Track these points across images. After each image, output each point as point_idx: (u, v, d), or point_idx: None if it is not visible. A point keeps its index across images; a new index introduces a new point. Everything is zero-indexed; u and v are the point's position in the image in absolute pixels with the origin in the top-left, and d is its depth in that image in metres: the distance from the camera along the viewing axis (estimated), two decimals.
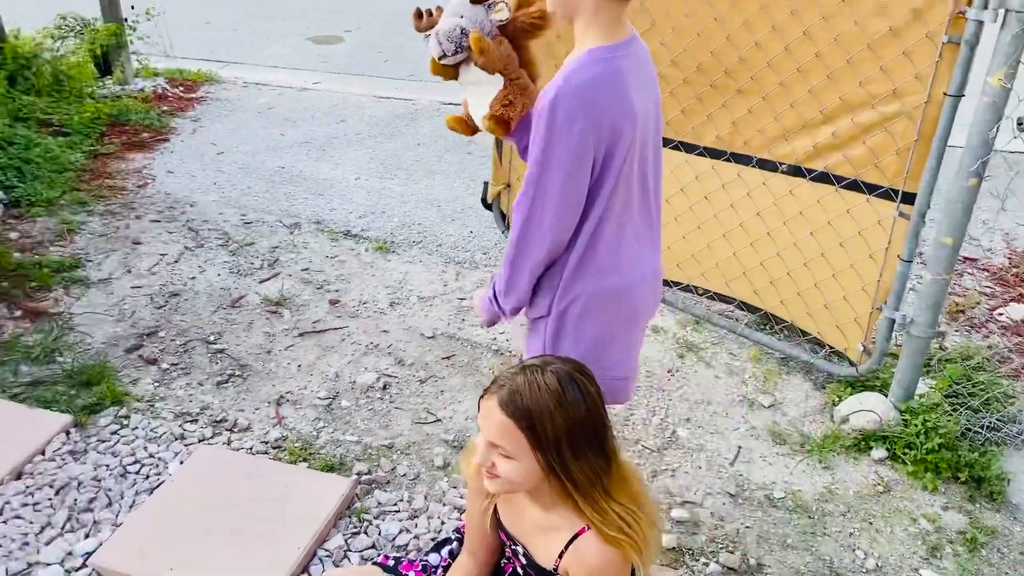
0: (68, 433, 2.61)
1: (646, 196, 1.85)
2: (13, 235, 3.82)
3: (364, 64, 7.08)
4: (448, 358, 3.18)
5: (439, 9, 1.85)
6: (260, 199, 4.38)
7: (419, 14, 1.86)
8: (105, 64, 6.15)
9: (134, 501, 2.38)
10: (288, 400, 2.89)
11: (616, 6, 1.66)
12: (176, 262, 3.71)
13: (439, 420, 2.85)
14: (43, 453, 2.52)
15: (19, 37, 5.82)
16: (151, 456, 2.57)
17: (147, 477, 2.48)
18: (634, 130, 1.69)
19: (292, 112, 5.77)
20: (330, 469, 2.58)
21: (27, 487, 2.38)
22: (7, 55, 5.13)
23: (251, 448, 2.65)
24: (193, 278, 3.59)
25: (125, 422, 2.70)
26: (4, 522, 2.26)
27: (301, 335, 3.26)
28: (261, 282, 3.60)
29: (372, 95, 6.19)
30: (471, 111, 1.90)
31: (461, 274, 3.77)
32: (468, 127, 1.95)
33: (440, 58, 1.81)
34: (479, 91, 1.83)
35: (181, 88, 6.21)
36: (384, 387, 3.00)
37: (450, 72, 1.84)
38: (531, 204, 1.70)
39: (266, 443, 2.67)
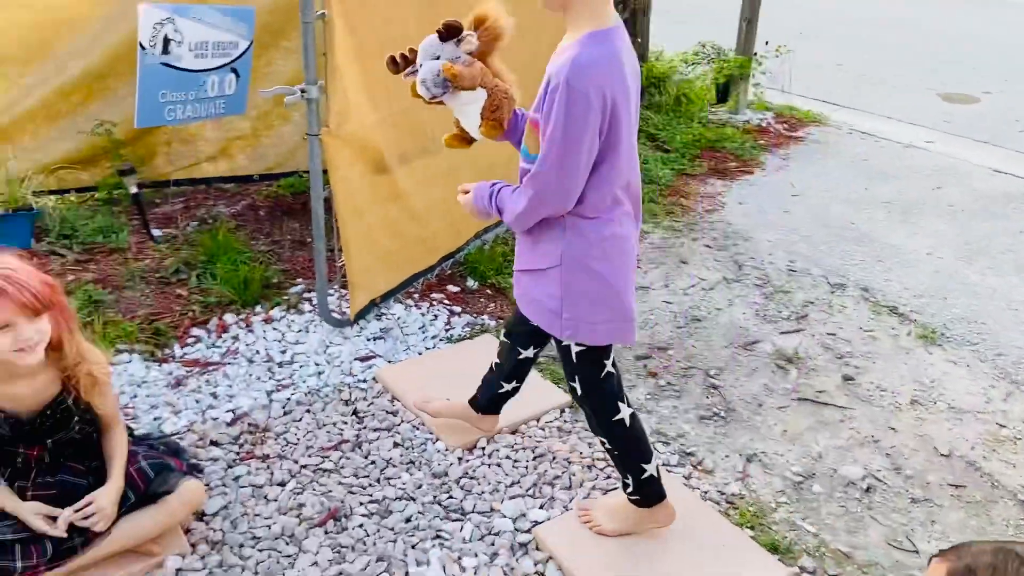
0: (562, 411, 2.92)
1: (633, 165, 2.04)
2: None
3: (993, 131, 6.26)
4: (957, 487, 2.68)
5: (412, 50, 2.08)
6: (814, 249, 4.24)
7: (394, 60, 2.10)
8: (723, 92, 6.59)
9: (588, 494, 2.56)
10: (760, 460, 2.78)
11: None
12: (711, 289, 3.83)
13: (916, 552, 2.43)
14: (537, 420, 2.87)
15: (659, 58, 6.57)
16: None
17: (608, 475, 2.64)
18: (628, 103, 1.90)
19: (886, 167, 5.42)
20: (774, 549, 2.40)
21: (514, 444, 2.75)
22: (644, 73, 5.86)
23: (706, 492, 2.61)
24: (719, 309, 3.67)
25: None
26: (487, 465, 2.65)
27: (800, 400, 3.08)
28: (782, 333, 3.50)
29: (988, 166, 5.46)
30: (466, 127, 2.15)
31: (1012, 396, 3.12)
32: (465, 141, 2.20)
33: (432, 99, 2.05)
34: (469, 109, 2.08)
35: (785, 125, 6.32)
36: (867, 489, 2.67)
37: (436, 100, 2.10)
38: (551, 165, 1.89)
39: (722, 494, 2.61)
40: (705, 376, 3.20)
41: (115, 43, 3.84)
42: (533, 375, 3.02)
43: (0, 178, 3.65)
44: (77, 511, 2.03)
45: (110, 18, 3.84)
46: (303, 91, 2.81)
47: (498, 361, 2.56)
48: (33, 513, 2.01)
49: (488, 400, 2.64)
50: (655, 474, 2.28)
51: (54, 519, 2.02)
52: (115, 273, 3.48)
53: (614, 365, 2.21)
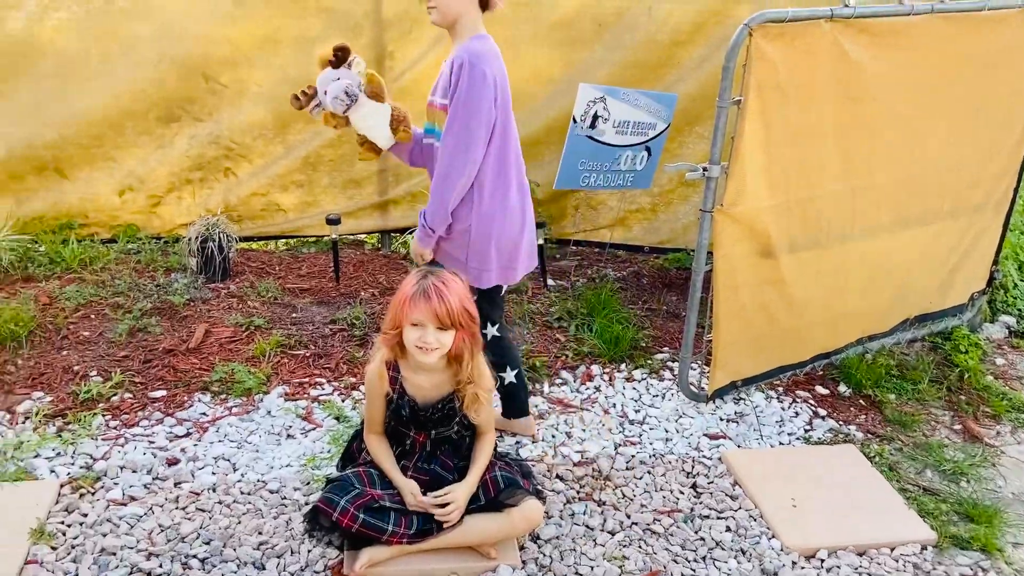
0: (924, 548, 2.60)
1: (518, 148, 2.63)
2: (1000, 361, 3.87)
3: None
4: None
5: (310, 87, 2.54)
6: None
7: (297, 97, 2.55)
8: None
9: None
10: None
11: (479, 14, 2.51)
12: None
13: None
14: (891, 550, 2.59)
15: None
16: None
17: None
18: (507, 91, 2.52)
19: None
20: None
21: (858, 566, 2.51)
22: None
23: None
24: None
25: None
26: None
27: None
28: None
29: None
30: (375, 139, 2.59)
31: None
32: (375, 151, 2.62)
33: (345, 111, 2.51)
34: (374, 121, 2.54)
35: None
36: None
37: (343, 122, 2.56)
38: (457, 140, 2.40)
39: None
40: None
41: (553, 116, 4.40)
42: (898, 501, 2.75)
43: None
44: (437, 497, 2.34)
45: (554, 94, 4.42)
46: (705, 169, 2.95)
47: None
48: (409, 490, 2.36)
49: (506, 402, 2.97)
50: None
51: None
52: (511, 310, 3.93)
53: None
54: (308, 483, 2.70)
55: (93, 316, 3.63)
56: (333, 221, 4.06)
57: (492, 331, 2.76)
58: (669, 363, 3.60)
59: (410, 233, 4.53)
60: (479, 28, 2.51)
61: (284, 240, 4.73)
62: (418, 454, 2.46)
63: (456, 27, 2.49)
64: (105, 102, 4.18)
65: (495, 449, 2.58)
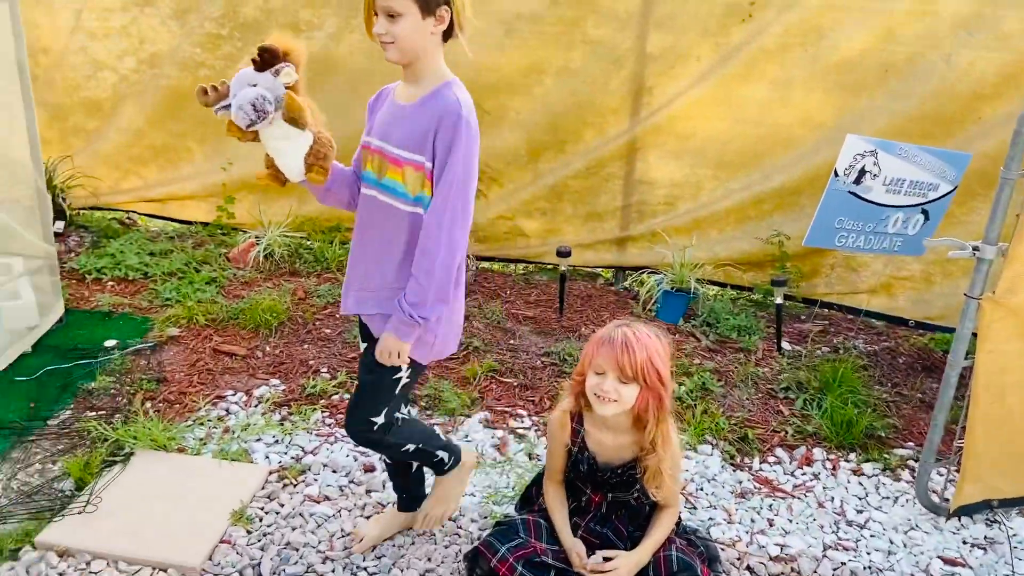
0: None
1: None
2: None
3: None
4: None
5: (223, 83, 1.97)
6: None
7: (205, 91, 1.96)
8: None
9: None
10: None
11: (440, 48, 2.05)
12: None
13: None
14: None
15: None
16: None
17: None
18: None
19: None
20: None
21: None
22: None
23: None
24: None
25: None
26: None
27: None
28: None
29: None
30: (283, 167, 2.05)
31: None
32: (279, 181, 2.09)
33: (248, 126, 1.93)
34: (286, 147, 2.01)
35: None
36: None
37: (249, 135, 1.98)
38: (456, 209, 1.99)
39: None
40: None
41: (817, 164, 4.04)
42: None
43: (676, 261, 4.18)
44: (601, 561, 2.20)
45: (821, 142, 4.06)
46: (976, 249, 2.51)
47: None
48: (575, 552, 2.24)
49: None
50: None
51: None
52: (734, 370, 3.65)
53: None
54: (485, 517, 2.68)
55: (337, 316, 3.93)
56: (563, 253, 4.05)
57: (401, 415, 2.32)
58: (910, 462, 3.12)
59: (643, 272, 4.40)
60: (443, 64, 2.08)
61: (522, 264, 4.82)
62: (592, 514, 2.33)
63: (417, 65, 2.04)
64: None
65: (678, 524, 2.38)
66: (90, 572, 2.34)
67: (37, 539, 2.42)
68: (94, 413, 3.05)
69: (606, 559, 2.21)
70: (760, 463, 3.09)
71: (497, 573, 2.18)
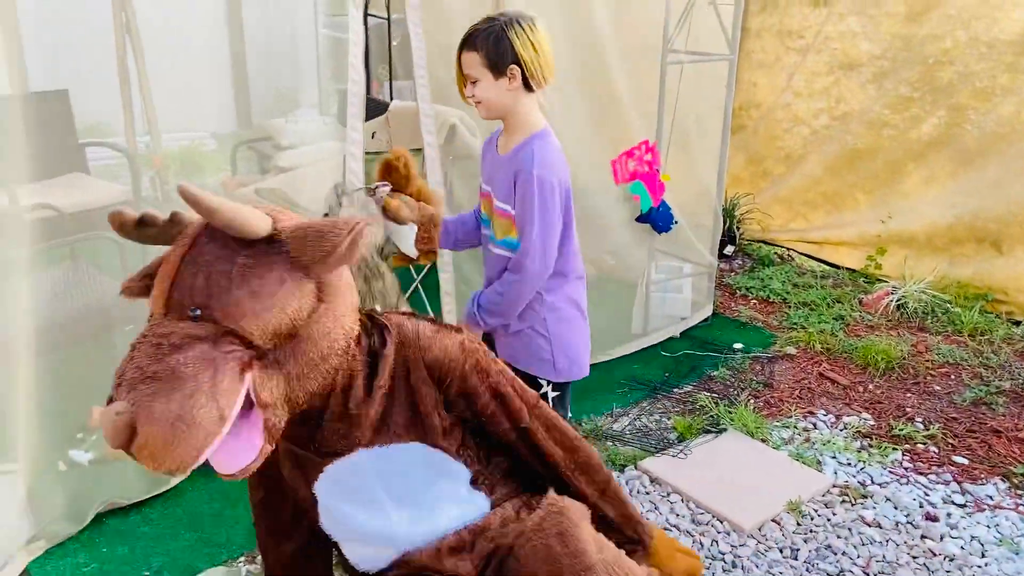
0: None
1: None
2: None
3: None
4: None
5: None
6: None
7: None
8: None
9: None
10: None
11: (531, 99, 2.26)
12: None
13: None
14: None
15: None
16: None
17: None
18: (570, 189, 2.31)
19: None
20: None
21: None
22: None
23: None
24: None
25: None
26: None
27: None
28: None
29: None
30: (404, 250, 2.40)
31: None
32: (406, 260, 2.47)
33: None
34: (402, 232, 2.37)
35: None
36: None
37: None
38: (534, 244, 2.23)
39: None
40: None
41: None
42: None
43: None
44: None
45: None
46: None
47: None
48: None
49: None
50: None
51: None
52: None
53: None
54: None
55: (952, 376, 3.85)
56: None
57: None
58: None
59: None
60: (533, 115, 2.30)
61: None
62: None
63: (509, 120, 2.30)
64: None
65: None
66: (669, 500, 2.97)
67: (640, 464, 3.16)
68: (709, 393, 3.70)
69: None
70: None
71: None
